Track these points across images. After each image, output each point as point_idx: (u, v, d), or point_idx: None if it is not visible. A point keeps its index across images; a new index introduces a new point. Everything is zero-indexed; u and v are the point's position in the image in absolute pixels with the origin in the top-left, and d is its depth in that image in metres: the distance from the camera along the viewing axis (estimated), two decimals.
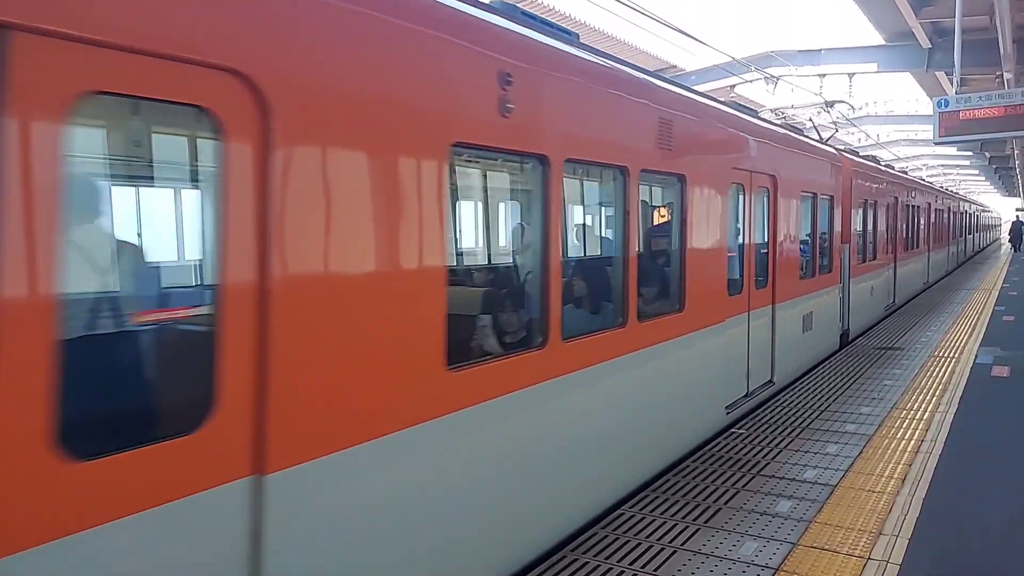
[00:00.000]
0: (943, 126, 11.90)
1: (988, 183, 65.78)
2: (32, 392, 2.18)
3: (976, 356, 11.47)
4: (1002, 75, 16.37)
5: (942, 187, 35.39)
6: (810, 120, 16.07)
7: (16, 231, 2.15)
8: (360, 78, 3.18)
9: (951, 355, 11.63)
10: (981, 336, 13.43)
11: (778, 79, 19.60)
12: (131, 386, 3.07)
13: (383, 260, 3.31)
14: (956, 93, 12.38)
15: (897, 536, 5.07)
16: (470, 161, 7.40)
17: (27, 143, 2.18)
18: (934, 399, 8.85)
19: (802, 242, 10.12)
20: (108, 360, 3.11)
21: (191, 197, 4.89)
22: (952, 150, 39.64)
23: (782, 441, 7.26)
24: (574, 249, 8.59)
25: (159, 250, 5.21)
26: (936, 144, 13.83)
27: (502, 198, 8.78)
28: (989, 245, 61.44)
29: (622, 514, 5.47)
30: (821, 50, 20.14)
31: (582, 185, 8.78)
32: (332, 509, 3.09)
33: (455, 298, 3.84)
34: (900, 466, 6.48)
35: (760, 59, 19.91)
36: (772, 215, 8.73)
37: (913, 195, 20.15)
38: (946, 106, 11.88)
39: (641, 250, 6.04)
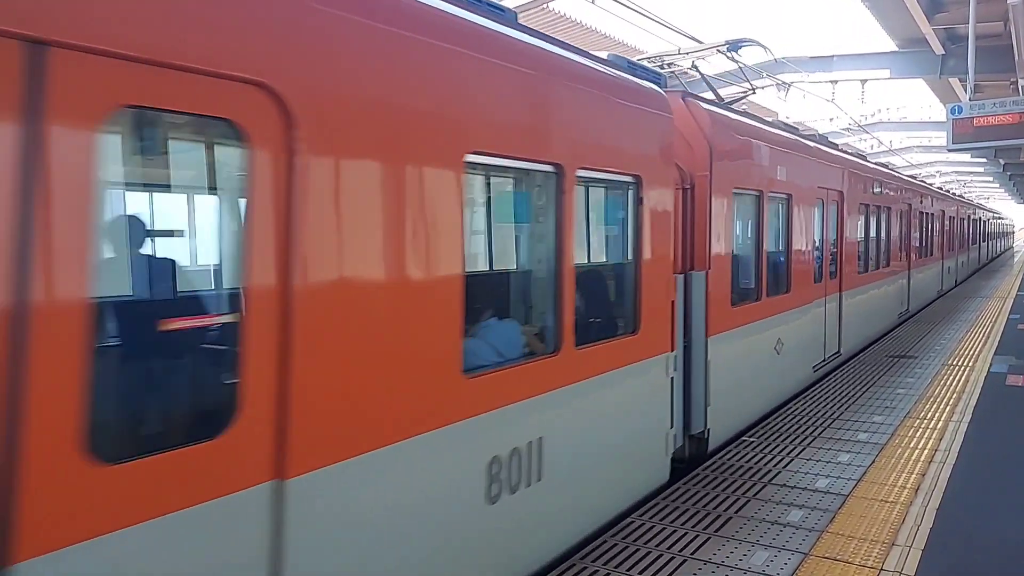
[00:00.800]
0: (956, 133, 11.80)
1: (1002, 190, 65.23)
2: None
3: (991, 365, 11.35)
4: (1017, 82, 16.24)
5: (940, 188, 29.75)
6: (693, 67, 9.51)
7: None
8: None
9: (965, 364, 11.51)
10: (996, 344, 13.30)
11: (790, 85, 19.54)
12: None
13: None
14: (970, 100, 12.29)
15: (910, 547, 5.01)
16: None
17: None
18: (948, 408, 8.76)
19: (481, 280, 5.59)
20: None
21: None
22: (966, 157, 39.36)
23: (793, 450, 7.20)
24: None
25: None
26: (949, 151, 13.69)
27: None
28: (1001, 255, 58.72)
29: (631, 522, 5.43)
30: (833, 56, 20.03)
31: None
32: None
33: None
34: (913, 476, 6.41)
35: (772, 65, 19.84)
36: (279, 210, 2.88)
37: (878, 191, 14.05)
38: (960, 113, 11.78)
39: None
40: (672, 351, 6.13)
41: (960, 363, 11.57)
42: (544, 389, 4.53)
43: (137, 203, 3.51)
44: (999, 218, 61.18)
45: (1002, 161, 39.86)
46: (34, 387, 2.21)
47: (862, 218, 12.94)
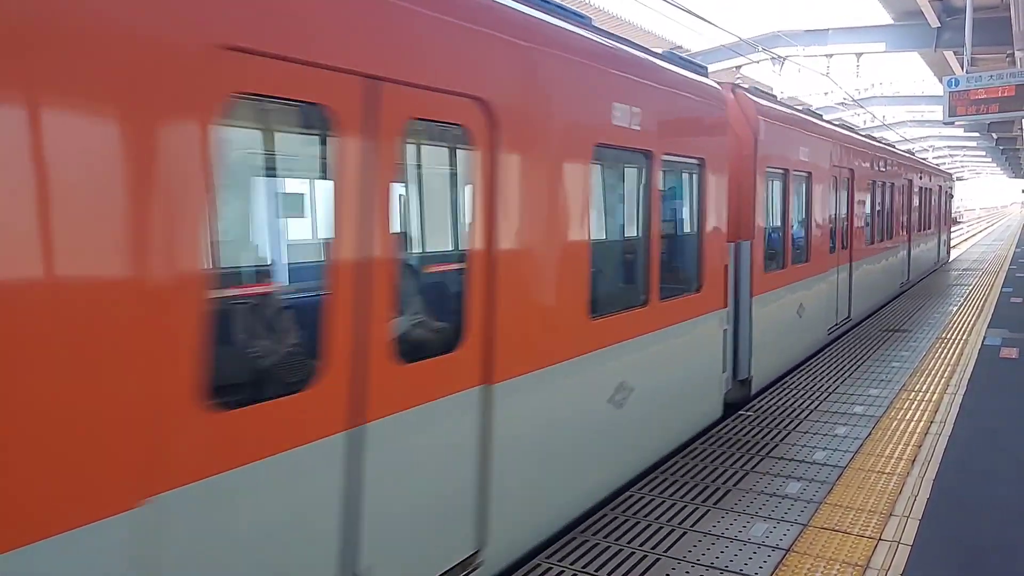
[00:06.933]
0: (953, 105, 11.75)
1: (994, 164, 65.41)
2: None
3: (984, 338, 11.41)
4: (1013, 54, 16.16)
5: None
6: None
7: None
8: None
9: (959, 337, 11.56)
10: (989, 318, 13.36)
11: (785, 59, 19.42)
12: None
13: None
14: (966, 72, 12.22)
15: (908, 517, 5.05)
16: None
17: None
18: (943, 381, 8.81)
19: None
20: None
21: None
22: (959, 131, 39.33)
23: (790, 423, 7.23)
24: None
25: None
26: (944, 124, 13.65)
27: None
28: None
29: (631, 495, 5.45)
30: (828, 30, 19.91)
31: None
32: None
33: None
34: (910, 447, 6.45)
35: (766, 39, 19.71)
36: None
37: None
38: (956, 85, 11.74)
39: None
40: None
41: (954, 337, 11.62)
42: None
43: None
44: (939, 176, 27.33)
45: (994, 135, 39.82)
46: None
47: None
